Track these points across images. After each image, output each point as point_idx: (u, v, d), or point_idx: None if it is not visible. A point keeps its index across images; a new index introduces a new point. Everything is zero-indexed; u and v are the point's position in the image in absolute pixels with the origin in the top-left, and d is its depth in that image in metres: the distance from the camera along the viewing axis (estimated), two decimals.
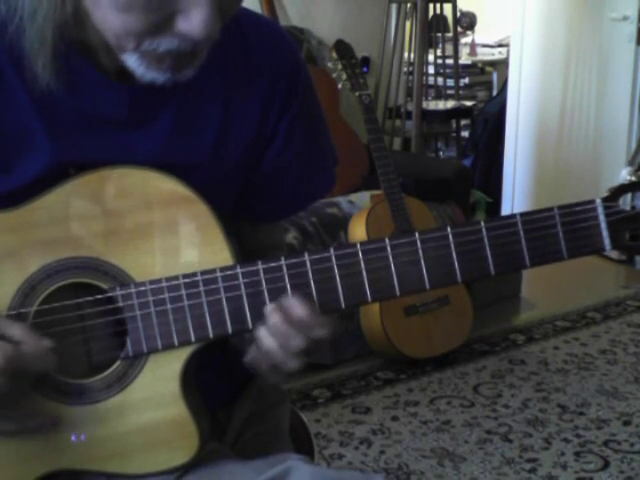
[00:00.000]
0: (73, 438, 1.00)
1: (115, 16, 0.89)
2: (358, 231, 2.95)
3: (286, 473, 1.02)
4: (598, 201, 0.99)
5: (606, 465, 2.44)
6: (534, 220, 0.99)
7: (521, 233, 0.98)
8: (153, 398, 1.00)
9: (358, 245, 0.98)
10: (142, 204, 0.99)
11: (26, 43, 0.94)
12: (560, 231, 0.99)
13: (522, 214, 0.99)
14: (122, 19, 0.89)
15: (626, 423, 2.67)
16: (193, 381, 1.04)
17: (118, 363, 1.00)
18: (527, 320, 3.53)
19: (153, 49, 0.92)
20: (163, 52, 0.92)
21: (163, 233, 0.99)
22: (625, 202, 0.99)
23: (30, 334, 0.94)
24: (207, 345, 1.01)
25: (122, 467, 1.01)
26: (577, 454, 2.50)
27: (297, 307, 0.97)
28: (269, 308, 0.98)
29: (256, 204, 1.17)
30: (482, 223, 0.98)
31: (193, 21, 0.89)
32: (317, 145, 1.18)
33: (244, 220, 1.17)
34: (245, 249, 1.08)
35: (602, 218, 0.99)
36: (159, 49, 0.92)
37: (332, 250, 0.98)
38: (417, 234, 0.98)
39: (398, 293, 0.99)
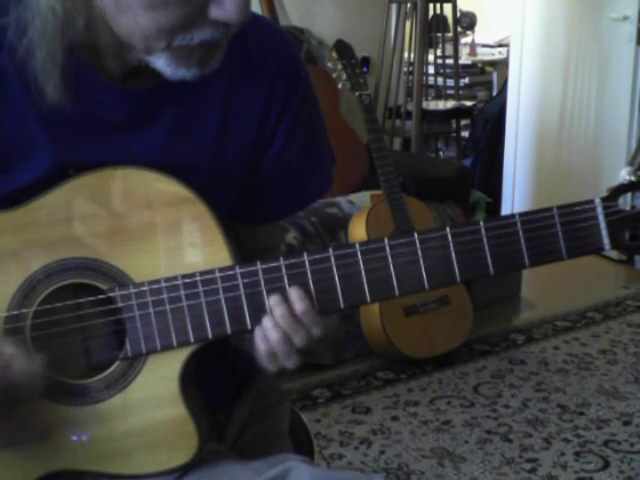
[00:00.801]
0: (74, 438, 1.00)
1: (146, 16, 0.89)
2: (358, 231, 2.95)
3: (286, 474, 1.02)
4: (597, 201, 0.99)
5: (606, 465, 2.44)
6: (533, 220, 0.99)
7: (520, 233, 0.98)
8: (152, 398, 1.00)
9: (357, 245, 0.98)
10: (141, 205, 1.00)
11: (36, 64, 0.94)
12: (559, 231, 0.99)
13: (521, 214, 0.99)
14: (154, 18, 0.89)
15: (626, 423, 2.67)
16: (192, 381, 1.04)
17: (117, 363, 1.00)
18: (527, 320, 3.53)
19: (186, 44, 0.92)
20: (196, 44, 0.92)
21: (162, 234, 1.00)
22: (625, 202, 0.99)
23: (22, 354, 0.94)
24: (207, 345, 1.01)
25: (122, 468, 1.01)
26: (577, 454, 2.50)
27: (299, 301, 0.98)
28: (273, 300, 0.98)
29: (254, 205, 1.17)
30: (481, 223, 0.98)
31: (227, 6, 0.90)
32: (316, 146, 1.18)
33: (242, 221, 1.17)
34: (243, 250, 1.08)
35: (601, 218, 0.99)
36: (193, 42, 0.92)
37: (331, 250, 0.98)
38: (416, 234, 0.98)
39: (397, 293, 0.99)
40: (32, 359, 0.94)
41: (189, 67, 0.94)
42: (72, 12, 0.91)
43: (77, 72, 0.98)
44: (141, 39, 0.92)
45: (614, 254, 4.13)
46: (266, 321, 0.99)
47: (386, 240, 0.98)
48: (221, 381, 1.19)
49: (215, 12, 0.90)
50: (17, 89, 0.98)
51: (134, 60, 0.97)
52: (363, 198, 3.23)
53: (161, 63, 0.94)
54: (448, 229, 0.98)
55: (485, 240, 0.98)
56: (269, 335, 0.99)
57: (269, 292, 0.98)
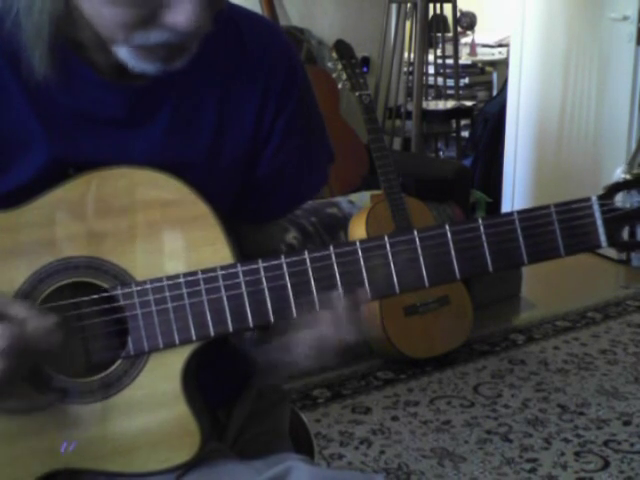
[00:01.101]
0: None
1: (105, 9, 0.89)
2: (358, 231, 2.95)
3: (286, 473, 1.02)
4: (594, 198, 1.00)
5: (606, 465, 2.44)
6: (531, 217, 0.99)
7: (518, 230, 0.99)
8: (154, 397, 1.00)
9: (357, 243, 0.98)
10: (142, 203, 1.00)
11: (23, 37, 0.95)
12: (557, 228, 1.00)
13: (519, 212, 1.00)
14: (111, 12, 0.89)
15: (626, 423, 2.68)
16: (194, 380, 1.04)
17: (119, 362, 1.00)
18: (527, 320, 3.53)
19: (143, 42, 0.92)
20: (153, 45, 0.92)
21: (163, 232, 1.00)
22: (623, 200, 1.00)
23: (34, 312, 0.94)
24: (207, 344, 1.01)
25: (123, 466, 1.01)
26: (577, 454, 2.50)
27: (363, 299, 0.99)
28: (337, 294, 0.99)
29: (253, 203, 1.17)
30: (480, 221, 0.99)
31: (180, 14, 0.89)
32: (314, 143, 1.18)
33: (243, 220, 1.17)
34: (244, 250, 1.08)
35: (598, 215, 1.00)
36: (149, 42, 0.92)
37: (332, 248, 0.98)
38: (415, 232, 0.98)
39: (397, 290, 0.99)
40: (44, 316, 0.94)
41: (152, 63, 0.94)
42: None
43: (71, 68, 0.98)
44: (104, 29, 0.92)
45: (614, 254, 4.13)
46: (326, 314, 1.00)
47: (386, 238, 0.98)
48: (221, 380, 1.19)
49: (168, 17, 0.90)
50: (8, 74, 0.98)
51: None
52: (363, 198, 3.23)
53: (124, 54, 0.94)
54: (447, 227, 0.99)
55: (484, 237, 0.99)
56: (323, 327, 1.00)
57: (270, 290, 0.98)
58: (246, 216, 1.17)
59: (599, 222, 1.00)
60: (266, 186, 1.15)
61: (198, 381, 1.05)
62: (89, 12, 0.91)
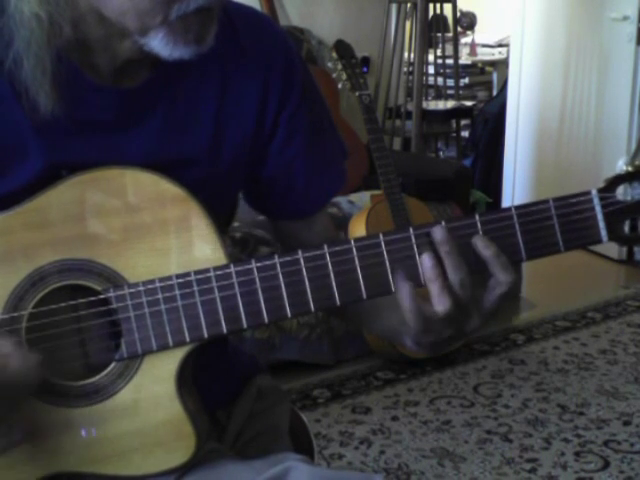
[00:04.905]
0: (70, 440, 0.99)
1: None
2: (358, 231, 2.95)
3: (285, 473, 1.02)
4: (594, 192, 0.97)
5: (606, 465, 2.44)
6: (529, 213, 0.97)
7: (517, 226, 0.96)
8: (149, 399, 0.99)
9: (352, 242, 0.97)
10: (134, 205, 0.99)
11: (27, 75, 0.94)
12: (556, 223, 0.97)
13: (517, 207, 0.97)
14: None
15: (626, 423, 2.67)
16: (190, 381, 1.03)
17: (113, 365, 0.99)
18: (527, 320, 3.53)
19: (183, 12, 0.91)
20: (193, 12, 0.92)
21: (156, 233, 0.99)
22: (625, 193, 0.97)
23: (19, 348, 0.93)
24: (207, 345, 1.00)
25: (119, 469, 1.00)
26: (577, 454, 2.50)
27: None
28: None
29: (274, 202, 1.17)
30: (477, 217, 0.96)
31: None
32: (322, 139, 1.17)
33: (276, 217, 1.18)
34: (288, 246, 1.09)
35: (598, 209, 0.97)
36: (189, 9, 0.91)
37: (326, 247, 0.97)
38: (411, 230, 0.97)
39: (393, 289, 0.98)
40: (28, 357, 0.93)
41: (186, 44, 0.94)
42: (57, 17, 0.91)
43: (66, 75, 0.97)
44: (136, 17, 0.91)
45: (614, 253, 4.12)
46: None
47: (381, 236, 0.97)
48: (221, 381, 1.19)
49: None
50: (9, 97, 0.98)
51: (125, 52, 0.97)
52: (363, 198, 3.23)
53: (158, 42, 0.93)
54: (443, 223, 0.97)
55: (480, 234, 0.97)
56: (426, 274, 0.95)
57: (264, 290, 0.97)
58: (276, 213, 1.18)
59: (599, 216, 0.97)
60: (280, 184, 1.14)
61: (197, 382, 1.04)
62: (117, 5, 0.90)
